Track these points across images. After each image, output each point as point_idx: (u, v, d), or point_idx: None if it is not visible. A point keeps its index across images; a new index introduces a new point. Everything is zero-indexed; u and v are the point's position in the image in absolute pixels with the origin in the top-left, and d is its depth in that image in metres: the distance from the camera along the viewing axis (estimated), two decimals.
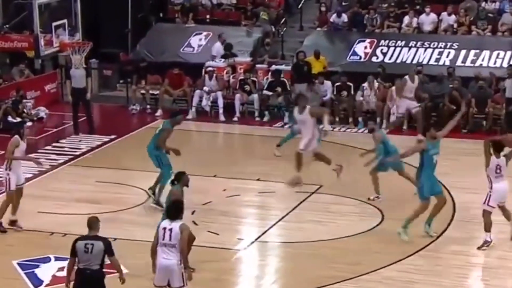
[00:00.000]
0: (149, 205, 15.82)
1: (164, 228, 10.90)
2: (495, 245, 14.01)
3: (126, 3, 26.62)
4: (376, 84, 22.01)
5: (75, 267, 10.67)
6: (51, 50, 22.58)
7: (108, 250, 10.60)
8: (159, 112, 22.91)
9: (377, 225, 15.13)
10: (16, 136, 14.65)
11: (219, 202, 16.14)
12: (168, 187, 14.07)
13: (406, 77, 20.69)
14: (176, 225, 10.89)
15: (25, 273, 13.10)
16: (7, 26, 24.42)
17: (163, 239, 10.87)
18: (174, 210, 11.08)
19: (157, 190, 15.73)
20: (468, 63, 22.93)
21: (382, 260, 13.50)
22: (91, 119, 21.22)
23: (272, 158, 18.98)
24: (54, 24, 22.45)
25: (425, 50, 23.56)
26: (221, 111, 22.57)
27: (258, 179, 17.50)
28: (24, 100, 22.46)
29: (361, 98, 22.01)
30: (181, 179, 13.16)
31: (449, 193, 16.47)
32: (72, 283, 10.77)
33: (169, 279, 10.96)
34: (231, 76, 23.62)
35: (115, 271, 10.90)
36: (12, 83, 23.30)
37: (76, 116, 21.18)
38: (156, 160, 15.84)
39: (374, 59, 23.65)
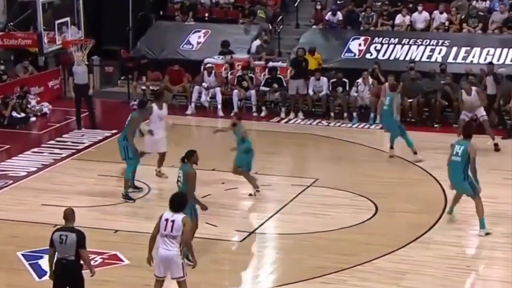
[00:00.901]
0: (120, 199, 15.80)
1: (167, 220, 10.90)
2: (486, 236, 14.05)
3: (127, 1, 26.61)
4: (370, 80, 22.02)
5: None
6: (54, 47, 22.54)
7: (80, 242, 10.51)
8: None
9: (371, 217, 15.15)
10: None
11: (218, 195, 16.15)
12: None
13: (462, 91, 19.21)
14: (178, 218, 10.88)
15: (29, 264, 13.13)
16: (11, 24, 24.41)
17: (165, 230, 10.86)
18: (177, 202, 11.05)
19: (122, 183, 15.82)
20: (459, 60, 22.95)
21: (375, 251, 13.52)
22: (93, 114, 21.23)
23: (268, 152, 19.00)
24: (57, 22, 22.41)
25: (417, 47, 23.56)
26: (219, 106, 22.58)
27: (255, 173, 17.49)
28: (30, 96, 22.45)
29: (356, 94, 22.03)
30: (192, 156, 13.06)
31: (441, 186, 16.50)
32: None
33: (169, 270, 10.97)
34: (229, 73, 23.63)
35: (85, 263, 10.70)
36: (16, 79, 23.31)
37: (79, 111, 21.18)
38: (123, 151, 15.96)
39: (368, 56, 23.66)
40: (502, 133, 20.09)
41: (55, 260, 10.64)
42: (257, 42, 24.38)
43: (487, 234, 14.14)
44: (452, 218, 14.90)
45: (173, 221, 10.83)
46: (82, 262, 10.63)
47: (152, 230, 11.08)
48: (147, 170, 16.77)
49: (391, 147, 18.57)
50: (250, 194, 16.03)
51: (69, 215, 10.73)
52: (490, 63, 21.55)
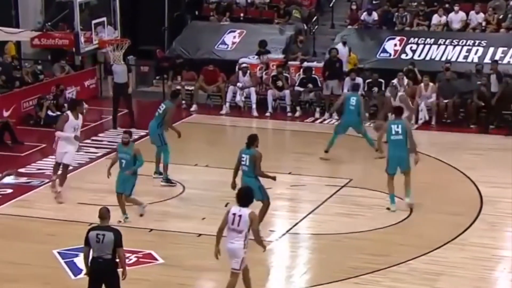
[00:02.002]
0: (160, 184, 16.44)
1: (234, 214, 11.12)
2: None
3: (163, 1, 26.77)
4: (405, 80, 21.91)
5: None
6: (91, 47, 22.72)
7: (118, 241, 10.61)
8: (194, 107, 23.02)
9: (406, 218, 15.08)
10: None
11: None
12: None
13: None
14: (245, 212, 11.13)
15: (65, 262, 13.25)
16: (49, 24, 24.66)
17: (232, 224, 11.12)
18: (244, 197, 11.34)
19: (162, 169, 16.51)
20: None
21: (409, 252, 13.47)
22: (132, 113, 21.38)
23: (303, 152, 19.00)
24: (93, 21, 22.58)
25: (453, 48, 23.42)
26: (254, 106, 22.61)
27: (289, 173, 17.52)
28: (68, 95, 22.65)
29: (390, 94, 21.90)
30: (255, 141, 13.83)
31: (476, 187, 16.40)
32: None
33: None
34: (264, 73, 23.65)
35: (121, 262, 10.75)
36: (53, 78, 23.52)
37: (116, 110, 21.36)
38: (158, 139, 16.66)
39: (403, 56, 23.56)
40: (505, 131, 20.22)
41: (90, 258, 10.73)
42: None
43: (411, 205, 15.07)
44: (389, 207, 15.24)
45: (240, 216, 11.11)
46: (117, 260, 10.70)
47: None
48: (183, 170, 16.83)
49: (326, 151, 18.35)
50: (119, 221, 14.35)
51: (104, 214, 10.81)
52: (495, 61, 21.35)
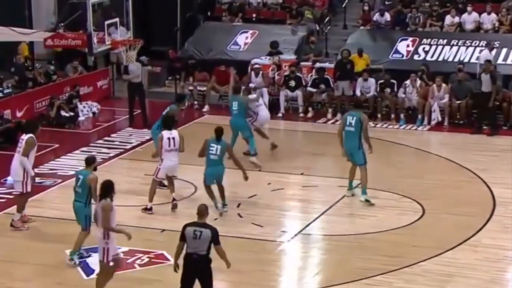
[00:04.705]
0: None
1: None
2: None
3: (175, 2, 26.79)
4: (418, 82, 21.87)
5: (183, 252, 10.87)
6: (104, 47, 22.77)
7: (215, 238, 10.76)
8: (206, 108, 23.03)
9: (418, 219, 15.05)
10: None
11: (264, 195, 16.18)
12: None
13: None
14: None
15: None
16: (62, 24, 24.72)
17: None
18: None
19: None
20: (509, 61, 22.66)
21: (422, 253, 13.44)
22: (145, 112, 21.46)
23: (315, 153, 18.98)
24: (106, 22, 22.62)
25: (466, 49, 23.35)
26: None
27: (301, 174, 17.51)
28: (85, 104, 22.72)
29: (403, 95, 21.88)
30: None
31: (489, 188, 16.34)
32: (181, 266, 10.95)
33: None
34: (276, 73, 23.63)
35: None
36: (66, 79, 23.60)
37: (132, 109, 21.56)
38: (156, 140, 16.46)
39: (416, 57, 23.51)
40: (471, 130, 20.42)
41: (184, 254, 10.84)
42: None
43: (366, 200, 15.52)
44: (353, 193, 15.73)
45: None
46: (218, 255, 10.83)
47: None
48: (195, 170, 16.81)
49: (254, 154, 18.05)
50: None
51: (203, 210, 10.96)
52: (488, 61, 21.27)
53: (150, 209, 15.26)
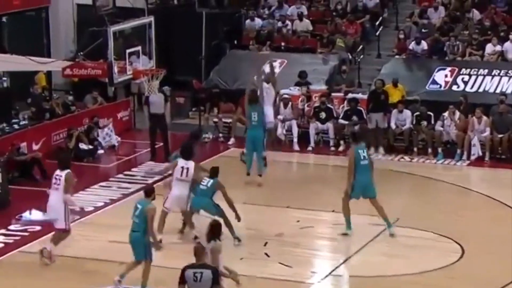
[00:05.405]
0: None
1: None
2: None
3: (200, 30, 26.98)
4: (457, 114, 21.82)
5: None
6: (125, 77, 22.98)
7: (216, 278, 10.81)
8: (231, 141, 23.12)
9: (457, 260, 14.96)
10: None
11: (292, 233, 16.16)
12: None
13: None
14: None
15: None
16: (81, 53, 24.94)
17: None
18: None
19: None
20: None
21: None
22: (167, 146, 21.56)
23: None
24: (128, 51, 22.84)
25: (508, 79, 23.31)
26: (295, 140, 22.64)
27: (332, 211, 17.48)
28: (105, 130, 22.89)
29: (441, 128, 21.84)
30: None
31: None
32: None
33: None
34: (306, 105, 23.69)
35: None
36: (85, 110, 23.78)
37: (154, 141, 21.66)
38: None
39: (455, 88, 23.50)
40: None
41: None
42: None
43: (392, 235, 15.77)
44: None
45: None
46: None
47: None
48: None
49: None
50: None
51: (200, 250, 11.04)
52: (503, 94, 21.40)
53: (160, 241, 15.25)
